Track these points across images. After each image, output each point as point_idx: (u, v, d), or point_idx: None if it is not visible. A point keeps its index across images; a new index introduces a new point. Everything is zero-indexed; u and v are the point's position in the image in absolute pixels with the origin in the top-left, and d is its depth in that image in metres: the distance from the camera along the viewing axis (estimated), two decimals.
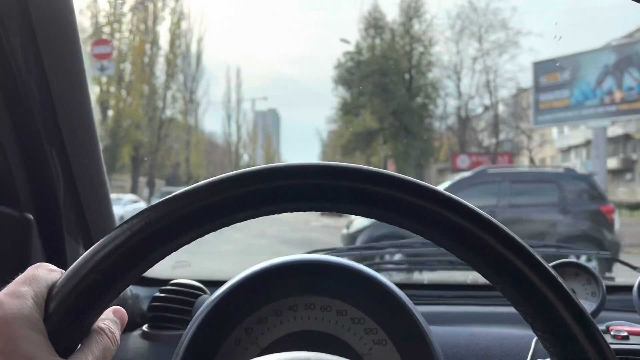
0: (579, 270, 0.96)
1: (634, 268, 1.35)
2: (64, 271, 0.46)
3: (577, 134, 30.90)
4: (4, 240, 0.78)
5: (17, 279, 0.44)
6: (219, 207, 0.44)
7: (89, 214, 0.86)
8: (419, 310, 0.74)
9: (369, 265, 1.31)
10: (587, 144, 29.41)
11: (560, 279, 0.43)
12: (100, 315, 0.47)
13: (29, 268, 0.45)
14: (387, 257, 1.36)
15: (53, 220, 0.85)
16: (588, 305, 0.94)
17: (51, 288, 0.44)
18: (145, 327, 0.94)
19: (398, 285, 0.75)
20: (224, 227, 0.46)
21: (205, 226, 0.44)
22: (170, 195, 0.44)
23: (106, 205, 0.93)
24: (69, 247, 0.88)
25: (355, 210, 0.46)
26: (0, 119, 0.75)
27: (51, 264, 0.84)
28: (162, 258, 0.45)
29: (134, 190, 22.64)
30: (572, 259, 1.03)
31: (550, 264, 0.98)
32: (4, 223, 0.78)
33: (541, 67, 20.11)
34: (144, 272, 0.44)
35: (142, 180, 25.31)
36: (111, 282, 0.43)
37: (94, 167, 0.86)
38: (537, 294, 0.43)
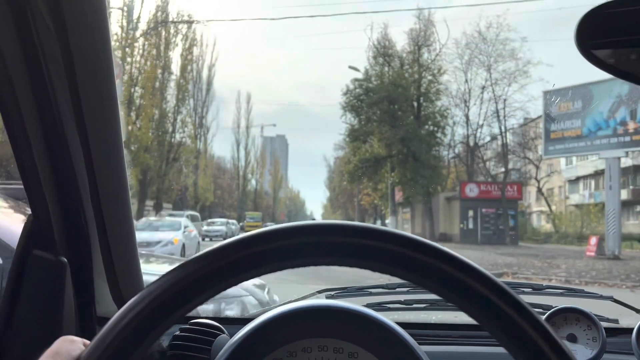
0: (580, 316, 1.00)
1: (637, 311, 1.38)
2: (85, 340, 0.51)
3: (585, 165, 30.80)
4: (40, 282, 0.84)
5: (42, 357, 0.49)
6: (229, 268, 0.48)
7: (117, 259, 0.92)
8: (426, 350, 0.78)
9: (378, 305, 1.36)
10: (596, 174, 29.30)
11: (552, 331, 0.48)
12: None
13: (54, 344, 0.50)
14: (397, 297, 1.40)
15: (84, 264, 0.90)
16: (589, 351, 0.98)
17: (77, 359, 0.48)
18: None
19: (407, 325, 0.79)
20: (233, 286, 0.50)
21: (218, 286, 0.48)
22: (185, 260, 0.49)
23: (132, 251, 0.98)
24: (98, 290, 0.94)
25: (357, 264, 0.51)
26: (42, 167, 0.81)
27: (81, 305, 0.89)
28: (182, 316, 0.49)
29: (139, 214, 22.65)
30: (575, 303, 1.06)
31: (552, 309, 1.03)
32: (40, 265, 0.84)
33: (552, 96, 20.13)
34: (164, 332, 0.48)
35: (150, 203, 25.34)
36: (133, 348, 0.46)
37: (123, 213, 0.92)
38: (531, 344, 0.47)
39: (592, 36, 0.59)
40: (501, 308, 0.48)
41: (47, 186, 0.81)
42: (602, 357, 1.03)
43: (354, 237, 0.50)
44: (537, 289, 1.38)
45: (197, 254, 0.49)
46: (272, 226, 0.51)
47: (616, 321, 1.39)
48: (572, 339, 0.99)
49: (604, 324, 1.28)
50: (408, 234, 0.51)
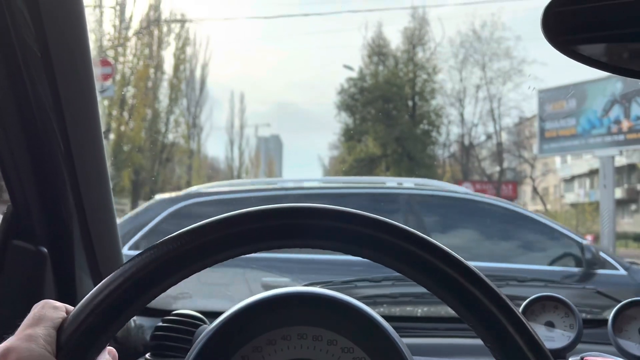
0: (558, 303, 1.01)
1: (617, 301, 1.39)
2: (67, 306, 0.52)
3: (580, 164, 30.85)
4: (19, 272, 0.84)
5: (25, 321, 0.49)
6: (203, 249, 0.49)
7: (99, 249, 0.92)
8: (413, 342, 0.78)
9: (363, 298, 1.36)
10: (591, 173, 29.35)
11: (518, 313, 0.49)
12: (102, 350, 0.52)
13: (34, 308, 0.51)
14: (382, 290, 1.41)
15: (65, 254, 0.91)
16: (566, 337, 0.99)
17: (59, 327, 0.49)
18: (147, 356, 0.99)
19: (392, 317, 0.80)
20: (207, 267, 0.51)
21: (190, 267, 0.50)
22: (158, 242, 0.50)
23: (114, 240, 0.99)
24: (79, 280, 0.94)
25: (328, 246, 0.52)
26: (20, 156, 0.81)
27: (62, 295, 0.89)
28: (154, 297, 0.50)
29: None
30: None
31: (532, 297, 1.04)
32: (20, 256, 0.84)
33: (546, 95, 20.14)
34: (140, 309, 0.49)
35: (142, 204, 25.15)
36: (111, 321, 0.48)
37: (104, 203, 0.93)
38: (499, 325, 0.49)
39: (561, 30, 0.59)
40: (469, 290, 0.49)
41: (25, 175, 0.81)
42: (584, 348, 1.05)
43: (334, 220, 0.51)
44: (521, 281, 1.39)
45: (174, 234, 0.50)
46: (248, 208, 0.51)
47: (599, 312, 1.41)
48: (550, 325, 1.00)
49: (587, 316, 1.29)
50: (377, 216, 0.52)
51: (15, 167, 0.81)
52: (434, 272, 0.50)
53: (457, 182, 26.12)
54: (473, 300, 0.49)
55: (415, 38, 27.39)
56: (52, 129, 0.83)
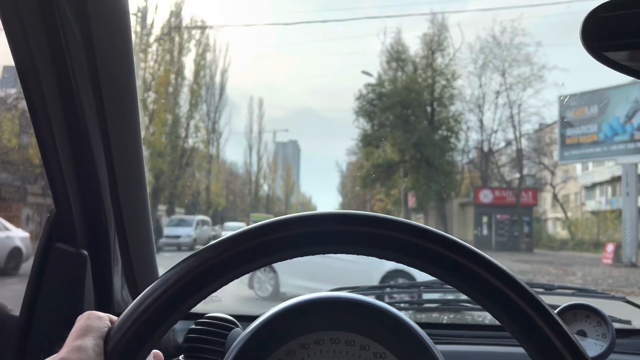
0: (590, 312, 1.01)
1: None
2: (110, 316, 0.53)
3: (602, 171, 30.42)
4: (61, 273, 0.87)
5: (72, 332, 0.50)
6: (240, 257, 0.51)
7: (134, 253, 0.95)
8: (439, 349, 0.79)
9: (389, 304, 1.36)
10: (613, 180, 28.92)
11: (561, 322, 0.49)
12: (148, 356, 0.54)
13: (79, 319, 0.52)
14: (408, 297, 1.41)
15: (103, 258, 0.94)
16: (598, 346, 0.98)
17: (106, 337, 0.50)
18: (181, 357, 1.00)
19: (418, 324, 0.80)
20: (244, 274, 0.53)
21: (229, 275, 0.51)
22: (199, 250, 0.51)
23: (149, 245, 1.01)
24: (115, 282, 0.97)
25: (368, 252, 0.53)
26: (65, 164, 0.84)
27: (99, 296, 0.92)
28: (195, 305, 0.51)
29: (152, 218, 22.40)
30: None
31: (562, 306, 1.03)
32: (62, 257, 0.87)
33: (567, 102, 19.88)
34: (181, 317, 0.51)
35: (162, 208, 25.45)
36: (155, 329, 0.50)
37: (141, 209, 0.95)
38: (540, 333, 0.49)
39: (598, 38, 0.60)
40: (513, 300, 0.50)
41: (69, 182, 0.84)
42: (615, 358, 1.04)
43: (367, 226, 0.52)
44: (549, 289, 1.38)
45: (212, 243, 0.51)
46: (282, 216, 0.53)
47: (629, 322, 1.39)
48: (582, 334, 1.00)
49: (617, 325, 1.28)
50: (418, 224, 0.53)
51: (60, 175, 0.84)
52: (474, 278, 0.51)
53: (477, 188, 25.94)
54: (513, 306, 0.50)
55: (434, 44, 27.31)
56: (96, 138, 0.86)
